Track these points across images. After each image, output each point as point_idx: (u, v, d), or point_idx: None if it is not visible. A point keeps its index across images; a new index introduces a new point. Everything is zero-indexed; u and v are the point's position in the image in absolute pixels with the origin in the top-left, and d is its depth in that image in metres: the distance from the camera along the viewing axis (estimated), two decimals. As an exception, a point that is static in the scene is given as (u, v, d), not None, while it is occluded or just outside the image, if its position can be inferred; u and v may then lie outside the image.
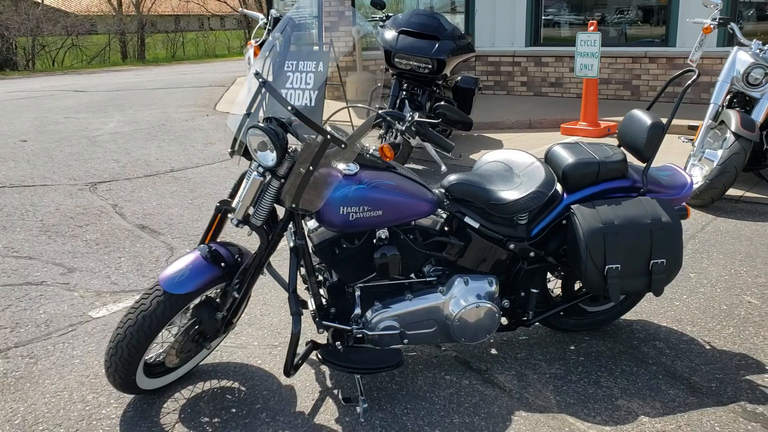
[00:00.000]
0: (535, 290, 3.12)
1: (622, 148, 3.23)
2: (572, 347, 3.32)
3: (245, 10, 11.61)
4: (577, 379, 3.05)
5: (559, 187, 3.10)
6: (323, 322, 2.85)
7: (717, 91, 5.65)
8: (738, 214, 5.33)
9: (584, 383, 3.01)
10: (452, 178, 3.00)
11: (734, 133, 5.20)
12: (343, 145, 2.56)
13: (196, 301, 2.83)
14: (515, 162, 3.16)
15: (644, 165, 3.12)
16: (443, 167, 2.68)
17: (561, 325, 3.39)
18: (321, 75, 8.10)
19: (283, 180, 2.68)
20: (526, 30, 10.93)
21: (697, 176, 5.45)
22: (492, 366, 3.17)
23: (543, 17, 10.99)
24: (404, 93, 6.66)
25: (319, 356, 2.78)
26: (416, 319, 2.95)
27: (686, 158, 5.73)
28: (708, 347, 3.28)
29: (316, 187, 2.61)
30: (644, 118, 3.12)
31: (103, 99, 12.70)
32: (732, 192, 5.65)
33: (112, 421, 2.79)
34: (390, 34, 6.63)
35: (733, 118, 5.29)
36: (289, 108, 2.57)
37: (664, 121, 3.13)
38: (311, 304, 2.93)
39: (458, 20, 11.57)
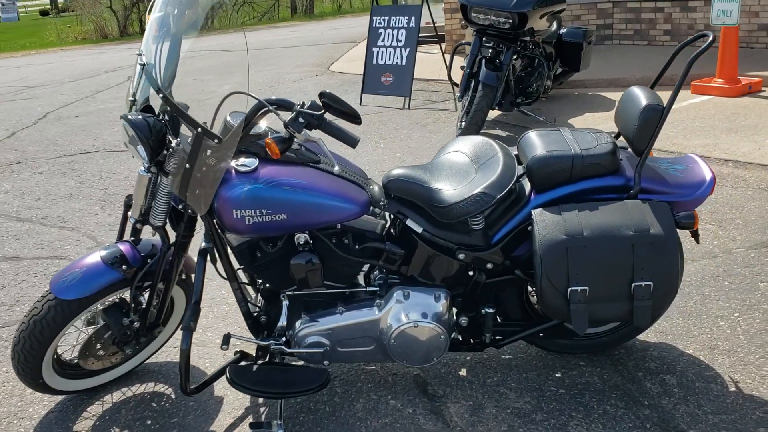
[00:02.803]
0: (489, 309, 2.58)
1: (621, 137, 2.58)
2: (558, 375, 2.76)
3: None
4: (543, 418, 2.51)
5: (528, 185, 2.53)
6: (231, 336, 2.54)
7: None
8: None
9: (547, 426, 2.47)
10: (393, 172, 2.53)
11: None
12: (216, 140, 2.19)
13: (108, 302, 2.63)
14: (478, 153, 2.61)
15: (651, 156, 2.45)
16: (336, 167, 2.23)
17: (551, 347, 2.83)
18: (413, 31, 7.64)
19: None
20: (672, -30, 9.62)
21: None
22: (451, 392, 2.70)
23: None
24: (490, 51, 6.01)
25: (227, 376, 2.47)
26: (349, 336, 2.55)
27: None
28: (732, 389, 2.58)
29: (201, 185, 2.27)
30: (640, 98, 2.44)
31: (238, 59, 12.97)
32: None
33: (31, 422, 2.69)
34: (467, -13, 5.99)
35: None
36: (161, 96, 2.23)
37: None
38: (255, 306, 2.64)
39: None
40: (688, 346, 2.87)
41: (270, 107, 2.21)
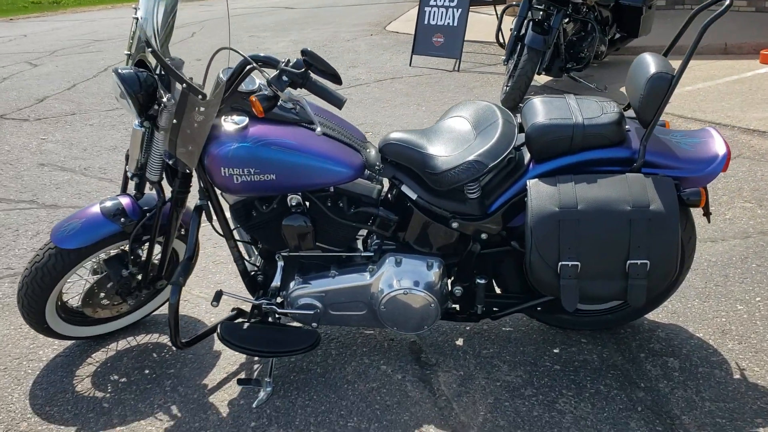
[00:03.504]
0: (481, 281, 2.52)
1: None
2: (556, 350, 2.69)
3: None
4: (531, 394, 2.45)
5: (528, 156, 2.43)
6: (223, 293, 2.56)
7: None
8: None
9: (534, 402, 2.42)
10: (390, 136, 2.47)
11: None
12: (200, 96, 2.18)
13: (112, 253, 2.69)
14: (479, 119, 2.52)
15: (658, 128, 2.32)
16: (318, 128, 2.18)
17: (552, 322, 2.75)
18: (467, -9, 7.40)
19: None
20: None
21: None
22: (443, 361, 2.66)
23: None
24: (541, 14, 5.80)
25: (217, 332, 2.51)
26: (341, 300, 2.54)
27: None
28: (737, 376, 2.46)
29: (189, 142, 2.27)
30: (648, 65, 2.30)
31: (299, 17, 12.97)
32: None
33: (39, 364, 2.79)
34: (518, -54, 5.77)
35: None
36: (149, 50, 2.22)
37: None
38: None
39: None
40: (699, 328, 2.75)
41: (255, 64, 2.17)
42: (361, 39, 9.55)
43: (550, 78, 6.43)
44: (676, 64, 2.30)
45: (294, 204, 2.46)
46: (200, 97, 2.17)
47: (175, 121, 2.25)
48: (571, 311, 2.30)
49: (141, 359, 2.79)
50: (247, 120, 2.33)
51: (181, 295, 2.43)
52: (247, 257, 2.74)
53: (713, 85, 6.17)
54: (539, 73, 5.86)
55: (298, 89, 2.22)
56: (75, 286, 2.85)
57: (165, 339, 2.92)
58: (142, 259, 2.69)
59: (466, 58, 7.56)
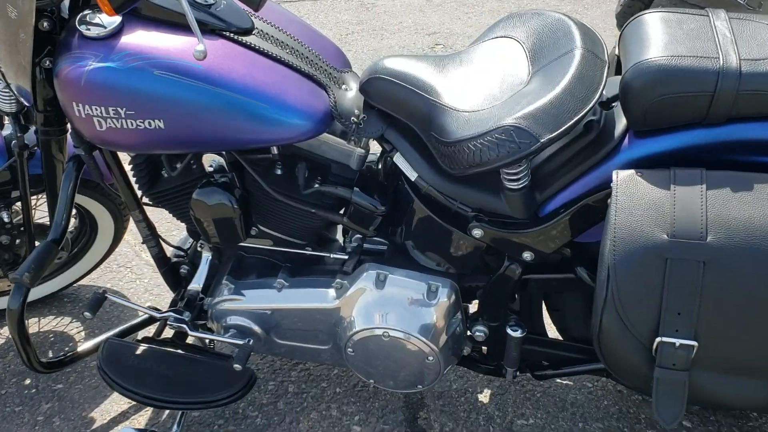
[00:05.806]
0: (515, 332, 1.48)
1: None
2: (637, 438, 1.64)
3: None
4: None
5: (623, 122, 1.31)
6: (107, 295, 1.64)
7: None
8: None
9: None
10: (381, 64, 1.40)
11: None
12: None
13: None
14: (542, 44, 1.40)
15: None
16: (200, 45, 1.14)
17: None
18: None
19: None
20: None
21: None
22: (451, 431, 1.68)
23: None
24: None
25: (98, 356, 1.61)
26: (291, 325, 1.59)
27: None
28: None
29: (14, 57, 1.31)
30: None
31: None
32: None
33: None
34: None
35: None
36: None
37: None
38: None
39: None
40: None
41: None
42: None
43: (686, -11, 5.01)
44: None
45: (213, 169, 1.48)
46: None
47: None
48: (669, 427, 1.24)
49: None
50: (118, 20, 1.32)
51: (27, 297, 1.52)
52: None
53: None
54: (671, -18, 4.50)
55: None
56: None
57: (77, 327, 2.08)
58: (6, 222, 1.80)
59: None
